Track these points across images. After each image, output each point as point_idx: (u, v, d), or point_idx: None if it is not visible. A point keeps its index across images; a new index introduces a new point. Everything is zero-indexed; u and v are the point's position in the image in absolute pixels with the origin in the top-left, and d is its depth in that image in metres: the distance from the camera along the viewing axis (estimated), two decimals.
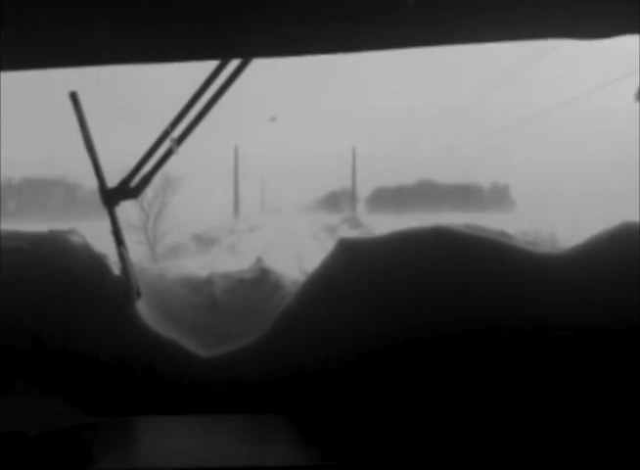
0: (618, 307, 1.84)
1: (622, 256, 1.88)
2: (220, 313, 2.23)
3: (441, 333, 1.94)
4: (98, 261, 2.14)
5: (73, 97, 2.10)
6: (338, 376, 1.99)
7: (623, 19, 1.67)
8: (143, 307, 2.14)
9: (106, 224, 2.16)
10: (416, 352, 1.95)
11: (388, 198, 20.54)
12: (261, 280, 2.30)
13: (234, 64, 2.01)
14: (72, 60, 1.92)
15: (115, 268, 2.16)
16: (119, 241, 2.16)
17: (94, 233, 2.27)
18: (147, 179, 2.13)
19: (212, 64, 2.03)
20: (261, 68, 2.05)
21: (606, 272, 1.89)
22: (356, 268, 2.05)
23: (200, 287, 2.31)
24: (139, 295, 2.13)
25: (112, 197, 2.13)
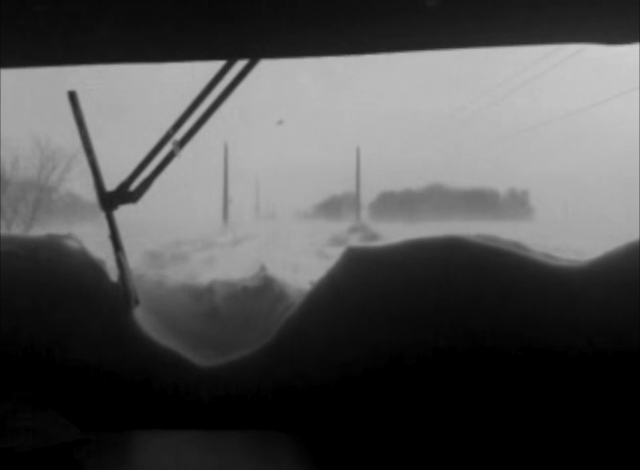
0: (637, 322, 1.94)
1: None
2: (221, 323, 2.35)
3: (450, 345, 2.05)
4: (95, 267, 2.26)
5: (72, 97, 2.21)
6: (343, 390, 2.10)
7: (632, 25, 1.78)
8: (141, 315, 2.26)
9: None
10: (424, 364, 2.06)
11: (395, 204, 20.52)
12: (265, 289, 2.42)
13: (240, 65, 2.13)
14: (75, 58, 2.01)
15: (113, 275, 2.28)
16: (117, 246, 2.28)
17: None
18: (147, 183, 2.23)
19: (217, 64, 2.16)
20: (262, 67, 2.16)
21: (624, 286, 1.98)
22: (364, 278, 2.16)
23: (200, 295, 2.43)
24: (137, 302, 2.26)
25: (110, 201, 2.25)
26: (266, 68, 2.17)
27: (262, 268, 2.49)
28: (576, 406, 1.96)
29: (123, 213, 2.30)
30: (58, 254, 2.25)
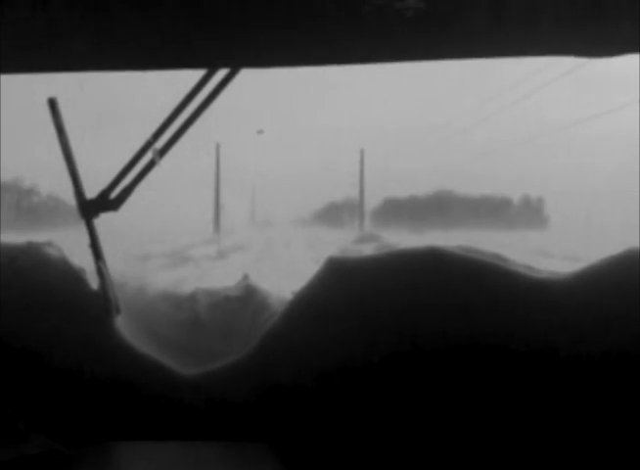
0: (616, 334, 2.06)
1: (623, 283, 2.08)
2: (203, 331, 2.48)
3: (428, 352, 2.18)
4: (75, 275, 2.38)
5: (52, 103, 2.33)
6: (324, 398, 2.23)
7: (626, 37, 1.90)
8: (122, 324, 2.38)
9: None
10: (403, 371, 2.19)
11: (400, 211, 20.54)
12: (247, 298, 2.54)
13: (222, 73, 2.26)
14: (55, 65, 2.13)
15: (94, 283, 2.41)
16: (98, 254, 2.40)
17: None
18: (128, 191, 2.35)
19: (198, 73, 2.29)
20: (260, 75, 2.27)
21: (604, 299, 2.10)
22: (345, 288, 2.29)
23: (182, 303, 2.55)
24: (118, 311, 2.38)
25: (90, 208, 2.37)
26: (274, 74, 2.26)
27: (245, 277, 2.61)
28: (553, 413, 2.09)
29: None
30: (37, 261, 2.37)
